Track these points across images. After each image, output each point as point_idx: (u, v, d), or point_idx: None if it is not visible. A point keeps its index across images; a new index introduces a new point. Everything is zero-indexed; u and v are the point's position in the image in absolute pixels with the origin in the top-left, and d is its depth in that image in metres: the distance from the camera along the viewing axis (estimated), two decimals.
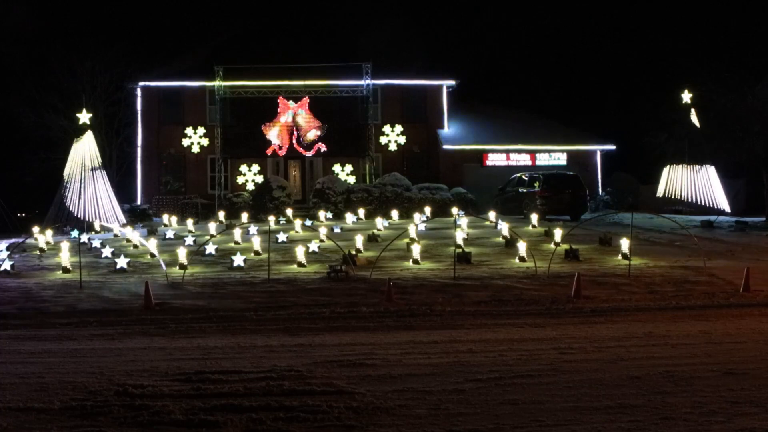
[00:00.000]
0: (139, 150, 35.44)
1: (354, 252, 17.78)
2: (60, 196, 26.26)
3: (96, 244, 20.36)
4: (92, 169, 25.89)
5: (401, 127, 35.55)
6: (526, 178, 28.12)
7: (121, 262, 17.19)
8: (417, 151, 35.71)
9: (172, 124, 35.17)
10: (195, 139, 35.08)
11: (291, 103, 33.10)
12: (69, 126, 34.20)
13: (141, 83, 34.98)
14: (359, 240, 19.01)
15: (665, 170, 31.16)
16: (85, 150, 26.24)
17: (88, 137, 26.54)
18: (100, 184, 26.25)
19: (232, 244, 20.14)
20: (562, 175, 28.01)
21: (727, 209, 30.14)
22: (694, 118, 30.39)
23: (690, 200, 30.43)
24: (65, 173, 26.39)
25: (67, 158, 26.69)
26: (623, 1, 60.70)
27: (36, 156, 37.88)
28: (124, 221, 26.54)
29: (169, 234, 22.51)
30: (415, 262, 17.08)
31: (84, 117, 26.89)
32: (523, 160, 34.90)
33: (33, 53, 42.13)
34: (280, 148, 32.89)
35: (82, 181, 25.99)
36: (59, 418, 6.54)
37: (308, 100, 33.15)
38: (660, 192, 31.54)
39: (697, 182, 31.14)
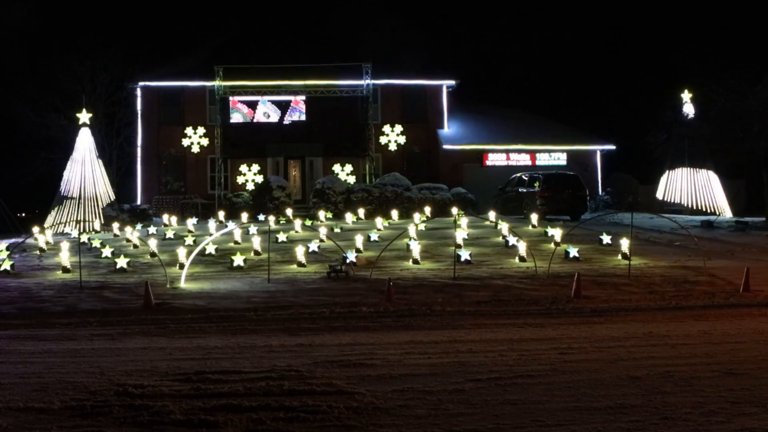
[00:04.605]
0: (139, 150, 35.45)
1: (354, 252, 17.78)
2: (59, 197, 26.33)
3: (96, 244, 20.36)
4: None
5: (401, 127, 35.55)
6: (526, 178, 28.12)
7: (121, 262, 17.19)
8: (417, 151, 35.72)
9: (172, 124, 35.17)
10: (195, 139, 35.09)
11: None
12: (69, 126, 34.24)
13: (141, 83, 34.99)
14: (359, 240, 19.02)
15: (664, 176, 31.27)
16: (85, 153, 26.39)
17: (85, 134, 26.68)
18: (98, 175, 26.37)
19: (231, 244, 20.14)
20: (562, 175, 28.01)
21: (729, 214, 30.16)
22: (690, 109, 30.37)
23: (690, 204, 30.51)
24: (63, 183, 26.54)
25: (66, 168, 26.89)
26: (623, 1, 60.69)
27: (36, 156, 37.92)
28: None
29: (169, 234, 22.51)
30: (415, 261, 17.09)
31: (84, 117, 26.93)
32: (523, 160, 34.92)
33: (33, 53, 42.23)
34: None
35: (83, 181, 26.04)
36: (59, 418, 6.54)
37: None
38: (660, 194, 31.66)
39: (697, 184, 31.23)
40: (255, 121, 33.37)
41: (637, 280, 14.87)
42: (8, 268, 16.92)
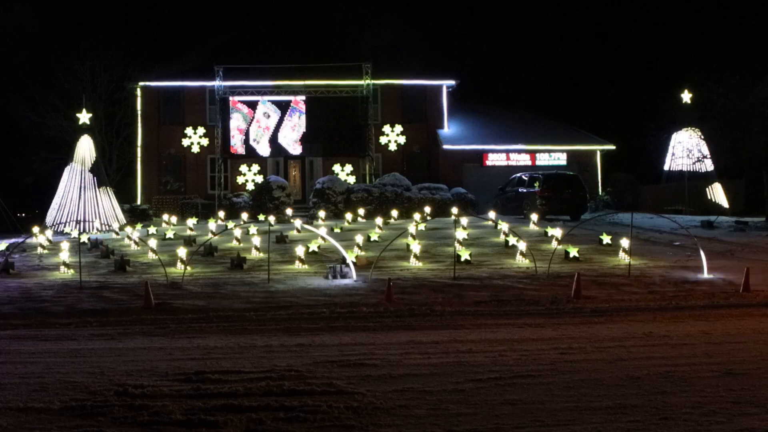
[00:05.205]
0: (139, 150, 35.47)
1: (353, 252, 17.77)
2: (60, 198, 26.29)
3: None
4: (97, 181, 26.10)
5: (401, 127, 35.56)
6: (526, 178, 28.12)
7: (121, 262, 17.17)
8: (417, 151, 35.72)
9: (172, 124, 35.19)
10: (195, 139, 35.10)
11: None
12: (69, 126, 34.25)
13: (141, 83, 35.01)
14: (359, 240, 19.01)
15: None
16: (85, 155, 26.33)
17: (86, 141, 26.61)
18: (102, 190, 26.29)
19: (231, 244, 20.14)
20: (562, 175, 28.02)
21: (726, 204, 30.54)
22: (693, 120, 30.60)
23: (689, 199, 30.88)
24: (62, 185, 26.44)
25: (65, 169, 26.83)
26: (624, 1, 60.70)
27: (36, 156, 37.93)
28: (124, 221, 26.49)
29: (169, 234, 22.51)
30: (416, 258, 17.08)
31: (84, 117, 26.92)
32: (523, 160, 34.92)
33: (33, 53, 42.24)
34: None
35: (83, 182, 26.01)
36: (59, 418, 6.53)
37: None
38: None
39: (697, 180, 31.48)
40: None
41: (637, 280, 14.86)
42: (8, 268, 16.91)
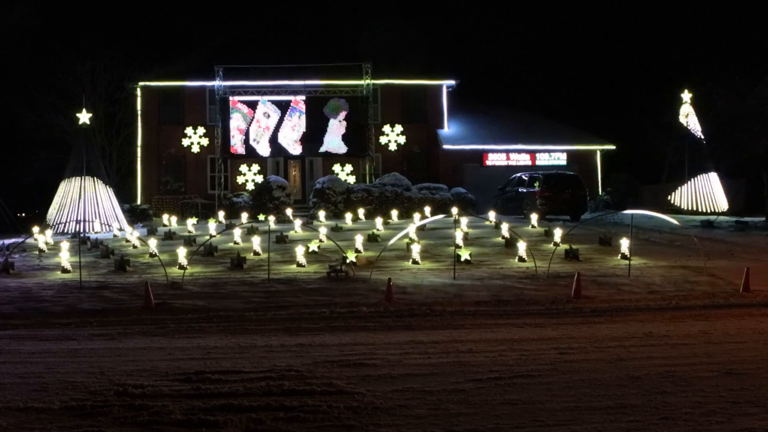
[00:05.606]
0: (139, 150, 35.46)
1: (354, 252, 17.77)
2: (60, 199, 26.25)
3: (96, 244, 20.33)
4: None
5: (401, 127, 35.55)
6: (526, 178, 28.11)
7: (121, 262, 17.16)
8: (417, 151, 35.71)
9: (172, 124, 35.18)
10: (195, 139, 35.09)
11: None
12: (69, 126, 34.26)
13: (141, 83, 35.01)
14: (359, 240, 19.01)
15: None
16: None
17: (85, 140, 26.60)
18: (101, 189, 26.21)
19: (231, 244, 20.14)
20: (562, 175, 28.00)
21: (725, 206, 30.34)
22: (694, 120, 30.45)
23: (689, 205, 30.71)
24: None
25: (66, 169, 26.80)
26: (624, 1, 60.72)
27: (36, 156, 37.94)
28: (126, 224, 26.44)
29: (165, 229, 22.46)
30: (415, 262, 17.08)
31: (84, 117, 26.90)
32: (523, 160, 34.91)
33: (33, 53, 42.27)
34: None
35: (82, 181, 25.99)
36: (59, 418, 6.54)
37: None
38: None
39: (697, 185, 31.30)
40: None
41: (637, 280, 14.86)
42: (8, 268, 16.90)
